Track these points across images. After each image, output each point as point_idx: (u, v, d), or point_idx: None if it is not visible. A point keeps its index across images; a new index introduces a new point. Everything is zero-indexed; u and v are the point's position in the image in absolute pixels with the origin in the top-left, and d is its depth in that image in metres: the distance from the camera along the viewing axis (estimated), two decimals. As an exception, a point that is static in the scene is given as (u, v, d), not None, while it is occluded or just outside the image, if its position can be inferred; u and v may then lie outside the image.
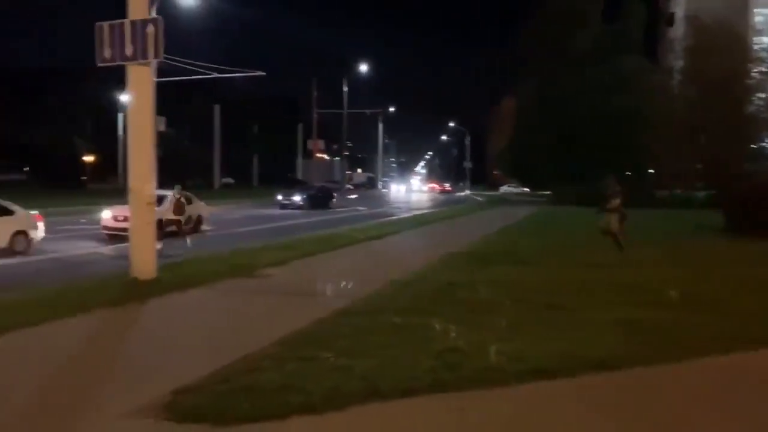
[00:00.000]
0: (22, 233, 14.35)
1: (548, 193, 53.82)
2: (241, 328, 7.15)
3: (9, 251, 13.90)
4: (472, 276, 10.44)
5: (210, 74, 32.14)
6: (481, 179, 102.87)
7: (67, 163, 49.84)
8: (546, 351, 5.90)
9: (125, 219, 14.46)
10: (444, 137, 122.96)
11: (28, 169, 52.49)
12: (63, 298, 8.27)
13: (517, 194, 70.22)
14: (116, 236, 16.72)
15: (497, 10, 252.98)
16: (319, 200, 36.21)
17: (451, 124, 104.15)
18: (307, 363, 5.48)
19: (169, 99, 38.31)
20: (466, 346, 6.03)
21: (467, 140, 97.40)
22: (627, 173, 38.82)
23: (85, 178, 52.79)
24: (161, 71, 30.06)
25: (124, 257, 10.64)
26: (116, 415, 4.46)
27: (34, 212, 15.31)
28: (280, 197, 36.15)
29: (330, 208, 35.96)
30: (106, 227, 17.80)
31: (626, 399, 5.01)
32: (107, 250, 15.78)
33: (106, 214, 18.03)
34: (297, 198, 35.35)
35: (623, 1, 49.09)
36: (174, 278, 9.91)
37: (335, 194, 41.29)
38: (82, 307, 7.76)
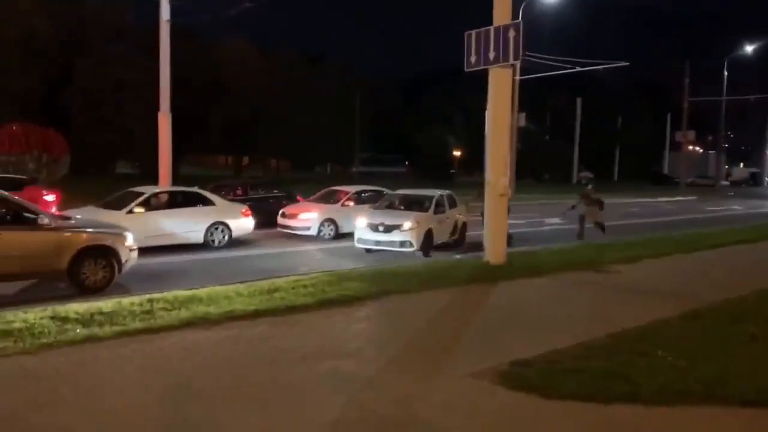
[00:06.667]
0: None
1: None
2: (578, 317, 7.38)
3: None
4: None
5: (572, 68, 32.26)
6: None
7: (440, 157, 55.66)
8: None
9: (290, 216, 15.25)
10: None
11: (407, 163, 60.54)
12: (430, 274, 9.70)
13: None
14: (288, 234, 15.61)
15: None
16: None
17: None
18: (641, 357, 5.48)
19: (531, 95, 39.62)
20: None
21: None
22: None
23: (453, 171, 58.29)
24: (524, 69, 31.52)
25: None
26: (460, 375, 5.22)
27: None
28: None
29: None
30: (279, 224, 16.02)
31: None
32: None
33: (281, 213, 16.31)
34: None
35: None
36: (522, 265, 10.62)
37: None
38: (448, 282, 9.14)
